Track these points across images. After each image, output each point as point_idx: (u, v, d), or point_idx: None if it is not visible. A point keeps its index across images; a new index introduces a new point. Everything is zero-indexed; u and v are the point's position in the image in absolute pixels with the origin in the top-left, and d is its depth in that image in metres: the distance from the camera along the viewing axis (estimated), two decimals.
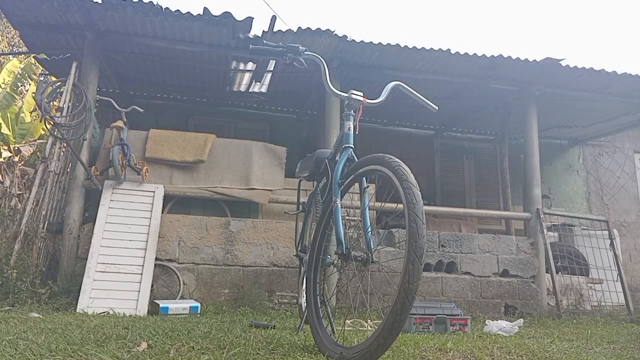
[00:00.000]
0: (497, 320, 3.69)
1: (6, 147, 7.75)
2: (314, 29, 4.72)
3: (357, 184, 2.11)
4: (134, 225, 4.46)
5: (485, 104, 6.77)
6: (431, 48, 5.05)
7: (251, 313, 4.17)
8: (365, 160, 2.00)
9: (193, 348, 1.89)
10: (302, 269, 3.00)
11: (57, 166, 4.67)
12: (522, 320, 3.83)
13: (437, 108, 2.48)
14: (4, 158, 7.46)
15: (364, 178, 2.06)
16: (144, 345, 1.91)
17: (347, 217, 4.58)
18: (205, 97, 7.20)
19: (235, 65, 5.91)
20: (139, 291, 4.12)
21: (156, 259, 4.40)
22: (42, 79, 5.59)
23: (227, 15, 4.51)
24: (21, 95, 9.26)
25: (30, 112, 8.42)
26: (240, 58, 5.65)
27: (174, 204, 4.97)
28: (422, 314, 3.44)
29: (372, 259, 1.87)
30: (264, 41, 2.48)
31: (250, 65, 5.89)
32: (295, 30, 4.72)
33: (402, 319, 1.59)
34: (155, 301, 4.08)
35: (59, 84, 4.83)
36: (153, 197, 4.66)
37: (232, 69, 5.98)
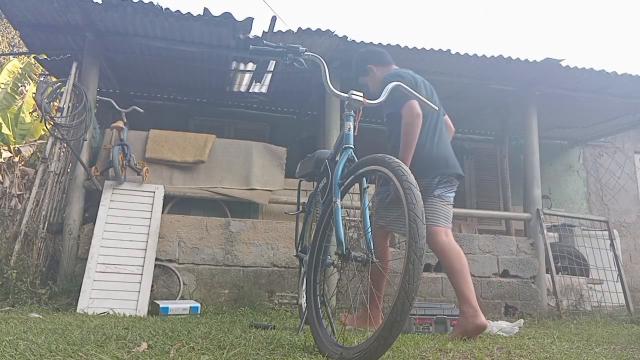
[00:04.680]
0: (497, 321, 3.67)
1: (6, 148, 7.75)
2: (314, 29, 4.73)
3: (357, 185, 2.11)
4: (134, 226, 4.45)
5: (485, 104, 6.77)
6: (431, 48, 5.05)
7: (251, 313, 4.17)
8: (365, 161, 2.00)
9: (193, 348, 1.89)
10: (302, 269, 3.00)
11: (57, 166, 4.67)
12: (522, 320, 3.82)
13: (437, 108, 2.49)
14: (4, 158, 7.46)
15: (364, 178, 2.06)
16: (144, 345, 1.91)
17: (347, 218, 4.59)
18: (206, 98, 7.20)
19: (236, 65, 5.91)
20: (139, 291, 4.12)
21: (156, 259, 4.40)
22: (42, 79, 5.61)
23: (227, 15, 4.51)
24: (21, 96, 9.26)
25: (30, 113, 8.42)
26: (241, 58, 5.65)
27: (174, 204, 4.96)
28: (422, 314, 3.43)
29: (372, 259, 1.87)
30: (264, 41, 2.48)
31: (251, 66, 5.90)
32: (295, 30, 4.72)
33: (402, 319, 1.60)
34: (156, 301, 4.08)
35: (59, 84, 4.83)
36: (153, 197, 4.66)
37: (232, 70, 5.98)
